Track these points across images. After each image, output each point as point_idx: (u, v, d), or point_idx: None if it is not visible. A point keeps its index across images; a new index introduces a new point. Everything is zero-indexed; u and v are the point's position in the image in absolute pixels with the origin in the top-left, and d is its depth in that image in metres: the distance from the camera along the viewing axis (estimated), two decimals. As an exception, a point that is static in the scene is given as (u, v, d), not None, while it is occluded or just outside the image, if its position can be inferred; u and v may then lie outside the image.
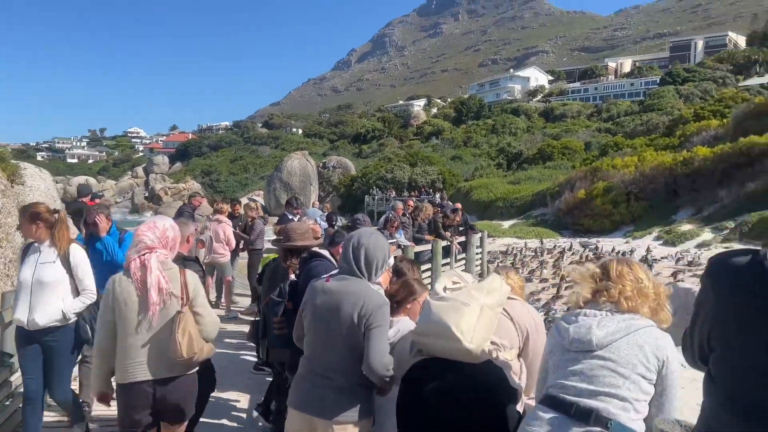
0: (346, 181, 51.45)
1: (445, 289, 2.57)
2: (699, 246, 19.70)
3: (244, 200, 41.98)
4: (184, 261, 3.87)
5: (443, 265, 10.35)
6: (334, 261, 3.76)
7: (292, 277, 3.98)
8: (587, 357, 2.17)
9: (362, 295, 2.68)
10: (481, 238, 13.24)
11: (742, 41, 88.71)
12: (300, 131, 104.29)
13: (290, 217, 8.73)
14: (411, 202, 11.89)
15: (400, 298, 3.05)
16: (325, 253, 3.88)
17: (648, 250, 19.67)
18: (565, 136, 53.57)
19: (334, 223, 10.50)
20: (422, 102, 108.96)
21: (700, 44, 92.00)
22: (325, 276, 2.90)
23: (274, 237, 5.66)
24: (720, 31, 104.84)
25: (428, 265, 10.14)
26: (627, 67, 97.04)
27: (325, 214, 11.43)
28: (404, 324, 2.94)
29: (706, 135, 28.60)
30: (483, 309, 2.44)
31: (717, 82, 62.26)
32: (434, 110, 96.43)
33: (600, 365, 2.15)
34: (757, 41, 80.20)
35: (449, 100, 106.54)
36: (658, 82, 71.73)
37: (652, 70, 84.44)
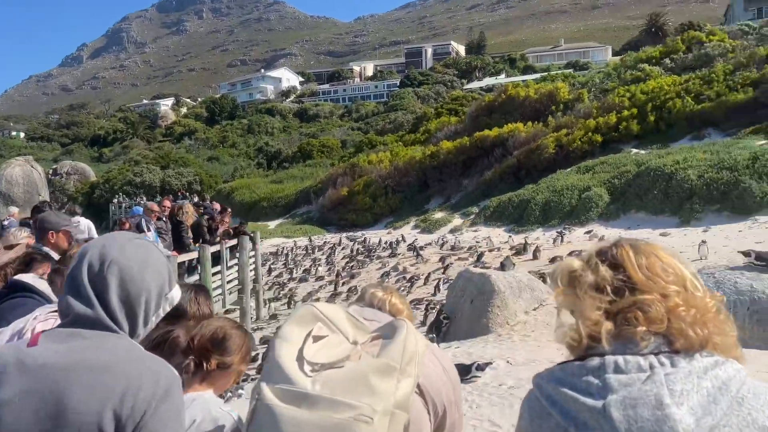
0: (84, 188, 45.33)
1: (305, 363, 1.23)
2: (452, 231, 21.27)
3: (-55, 219, 33.87)
4: None
5: (214, 274, 8.99)
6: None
7: None
8: None
9: (124, 373, 1.23)
10: (254, 240, 12.10)
11: (462, 50, 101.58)
12: (22, 135, 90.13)
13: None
14: (167, 202, 10.18)
15: (197, 357, 1.62)
16: (42, 285, 2.32)
17: (404, 238, 20.35)
18: (322, 135, 54.77)
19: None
20: (170, 101, 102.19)
21: (430, 51, 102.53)
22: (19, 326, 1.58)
23: None
24: (444, 41, 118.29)
25: (195, 277, 8.70)
26: (370, 71, 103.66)
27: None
28: (201, 405, 1.51)
29: (448, 130, 31.45)
30: (394, 416, 1.22)
31: (446, 85, 69.80)
32: (184, 110, 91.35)
33: None
34: (473, 50, 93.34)
35: (200, 99, 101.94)
36: (398, 84, 77.80)
37: (392, 74, 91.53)
